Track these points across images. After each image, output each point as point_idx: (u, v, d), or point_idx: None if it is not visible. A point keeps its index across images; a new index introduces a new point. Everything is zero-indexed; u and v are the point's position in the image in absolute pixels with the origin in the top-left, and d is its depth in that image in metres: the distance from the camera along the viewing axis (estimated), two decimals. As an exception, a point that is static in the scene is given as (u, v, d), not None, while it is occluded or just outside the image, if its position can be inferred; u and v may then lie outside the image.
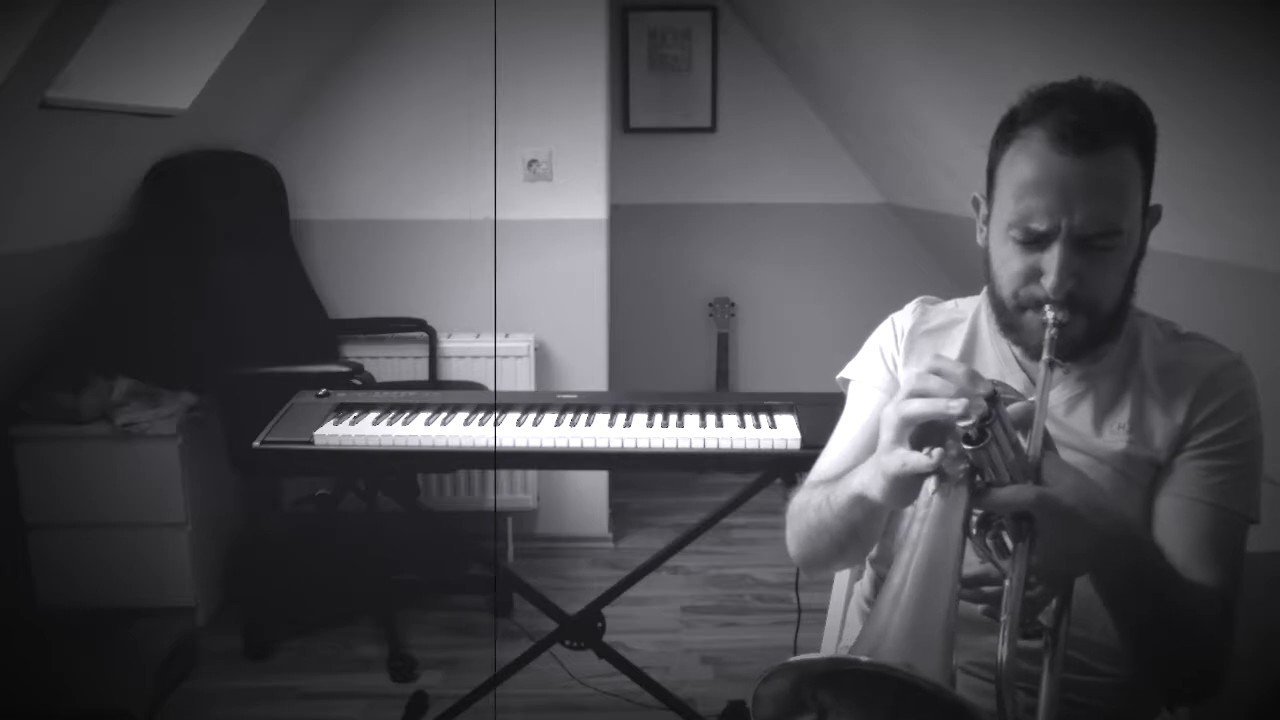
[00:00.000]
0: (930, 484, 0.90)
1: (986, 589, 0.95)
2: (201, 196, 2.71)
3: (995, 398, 0.89)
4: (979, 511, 0.92)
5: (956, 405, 0.89)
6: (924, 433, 0.93)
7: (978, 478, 0.89)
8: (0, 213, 2.17)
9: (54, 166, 2.26)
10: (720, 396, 2.51)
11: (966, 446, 0.88)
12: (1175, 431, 1.12)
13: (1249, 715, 1.62)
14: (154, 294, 2.80)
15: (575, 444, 1.89)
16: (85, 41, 2.01)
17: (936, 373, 0.94)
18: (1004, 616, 0.87)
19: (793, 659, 0.73)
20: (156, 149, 2.66)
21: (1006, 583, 0.89)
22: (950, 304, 1.31)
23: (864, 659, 0.71)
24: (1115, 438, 1.13)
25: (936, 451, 0.90)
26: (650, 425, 1.93)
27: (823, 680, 0.76)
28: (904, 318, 1.30)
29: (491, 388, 3.13)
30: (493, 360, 3.23)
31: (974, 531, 0.93)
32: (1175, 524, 1.10)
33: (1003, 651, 0.84)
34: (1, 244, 2.24)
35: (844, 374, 1.33)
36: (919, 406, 0.92)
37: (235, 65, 2.64)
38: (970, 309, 1.27)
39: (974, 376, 0.92)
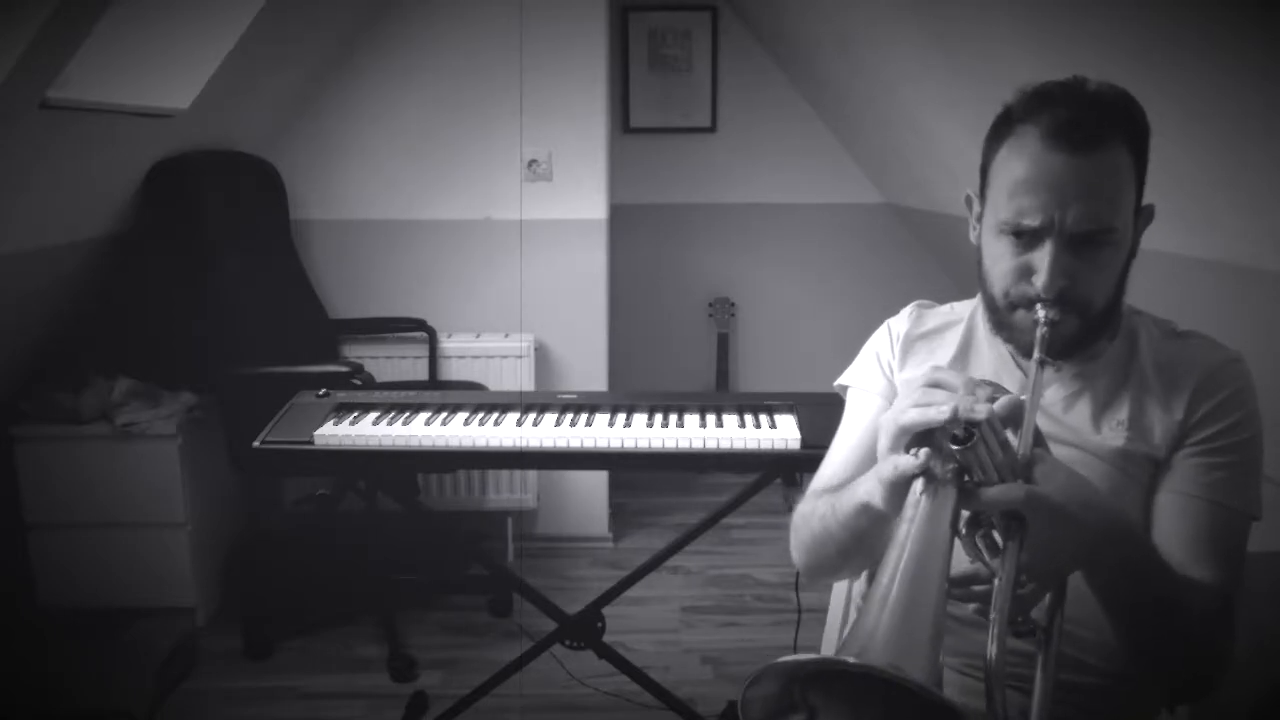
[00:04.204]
0: (918, 485, 0.90)
1: (976, 588, 0.95)
2: (201, 196, 2.71)
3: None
4: (969, 512, 0.92)
5: (945, 410, 0.89)
6: (919, 439, 0.93)
7: (966, 478, 0.89)
8: (0, 213, 2.17)
9: (54, 166, 2.26)
10: (720, 396, 2.51)
11: (954, 446, 0.88)
12: (1174, 428, 1.11)
13: (1249, 716, 1.62)
14: (154, 294, 2.80)
15: (575, 444, 1.89)
16: (85, 42, 2.01)
17: (936, 384, 0.96)
18: (993, 615, 0.87)
19: (779, 660, 0.73)
20: (156, 149, 2.66)
21: (996, 581, 0.89)
22: (946, 307, 1.31)
23: (850, 660, 0.72)
24: (1114, 434, 1.13)
25: (924, 451, 0.91)
26: (650, 425, 1.93)
27: (812, 681, 0.77)
28: (900, 322, 1.30)
29: (491, 387, 3.13)
30: (492, 360, 3.23)
31: (964, 531, 0.93)
32: (1174, 521, 1.09)
33: (992, 650, 0.85)
34: (1, 244, 2.24)
35: (841, 380, 1.33)
36: (913, 416, 0.93)
37: (235, 65, 2.64)
38: (966, 311, 1.27)
39: (972, 384, 0.93)
